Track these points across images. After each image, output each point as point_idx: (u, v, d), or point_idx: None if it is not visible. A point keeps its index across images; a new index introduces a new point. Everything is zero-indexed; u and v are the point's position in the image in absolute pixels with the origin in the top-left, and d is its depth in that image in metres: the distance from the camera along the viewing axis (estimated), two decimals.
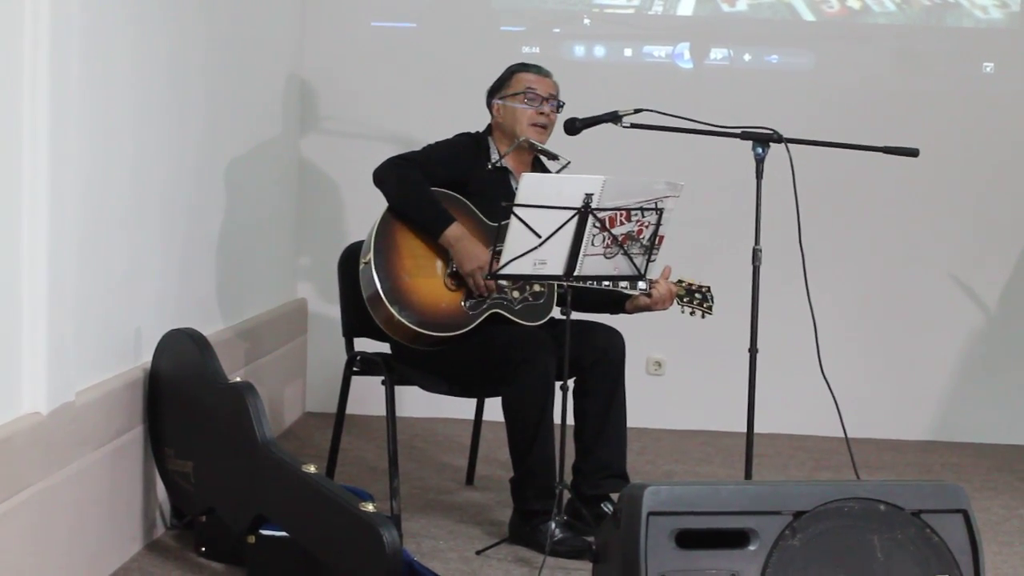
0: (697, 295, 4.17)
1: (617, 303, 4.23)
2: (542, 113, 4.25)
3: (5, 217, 2.95)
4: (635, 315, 4.33)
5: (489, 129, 4.36)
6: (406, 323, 3.99)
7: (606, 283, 3.92)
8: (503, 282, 4.06)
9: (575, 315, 3.83)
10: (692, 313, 4.18)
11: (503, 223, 3.71)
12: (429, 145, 4.28)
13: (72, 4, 3.14)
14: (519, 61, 4.42)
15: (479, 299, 4.09)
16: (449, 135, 4.34)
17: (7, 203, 2.95)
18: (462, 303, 4.08)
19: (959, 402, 6.01)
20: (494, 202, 4.12)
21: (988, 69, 5.97)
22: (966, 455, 5.71)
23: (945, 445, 5.90)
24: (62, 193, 3.11)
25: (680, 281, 4.17)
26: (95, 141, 3.45)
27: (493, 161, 4.27)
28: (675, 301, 4.15)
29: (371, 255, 4.02)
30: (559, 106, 4.30)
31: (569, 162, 4.24)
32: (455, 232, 4.04)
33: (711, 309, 4.18)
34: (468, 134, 4.34)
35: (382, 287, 3.99)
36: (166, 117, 4.07)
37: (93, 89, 3.41)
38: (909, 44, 5.98)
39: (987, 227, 5.99)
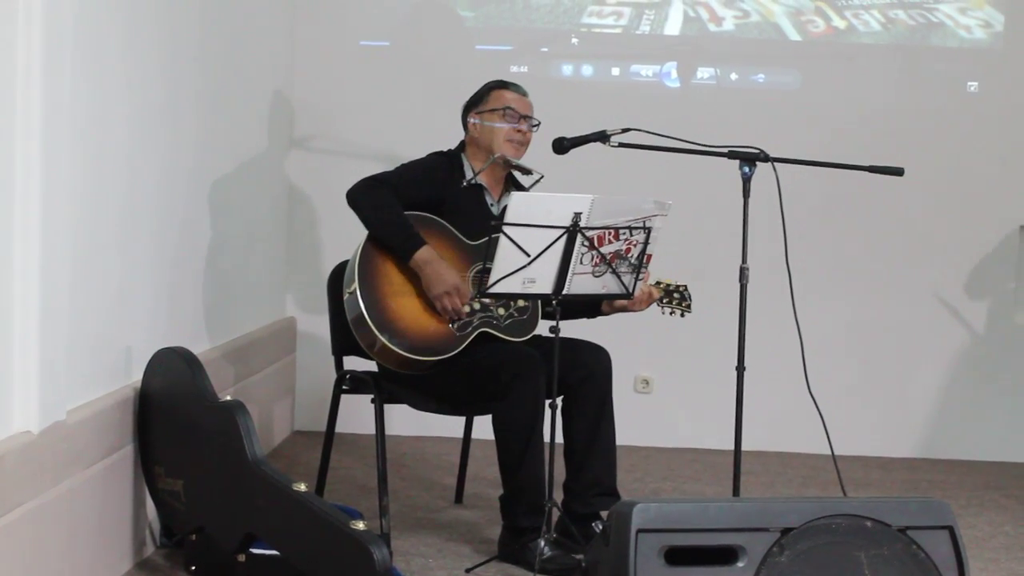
0: (676, 295, 4.21)
1: (595, 306, 4.25)
2: (519, 131, 4.27)
3: None
4: (622, 334, 4.36)
5: (462, 146, 4.37)
6: (396, 350, 4.00)
7: None
8: (486, 300, 4.07)
9: (561, 332, 3.85)
10: (672, 313, 4.21)
11: (484, 240, 3.71)
12: (403, 165, 4.29)
13: (65, 21, 3.15)
14: (498, 79, 4.44)
15: (467, 320, 4.10)
16: (426, 154, 4.36)
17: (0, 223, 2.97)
18: (450, 325, 4.09)
19: (945, 420, 6.04)
20: (471, 220, 4.14)
21: (972, 88, 6.02)
22: (952, 472, 5.73)
23: (931, 463, 5.92)
24: (54, 213, 3.12)
25: (658, 283, 4.20)
26: (88, 161, 3.46)
27: (468, 179, 4.29)
28: (656, 302, 4.17)
29: (355, 285, 4.02)
30: (535, 125, 4.32)
31: (542, 176, 4.26)
32: (424, 255, 4.04)
33: (690, 308, 4.22)
34: (441, 153, 4.35)
35: (369, 315, 3.99)
36: (159, 136, 4.09)
37: (87, 109, 3.42)
38: (894, 63, 6.02)
39: (973, 245, 6.02)
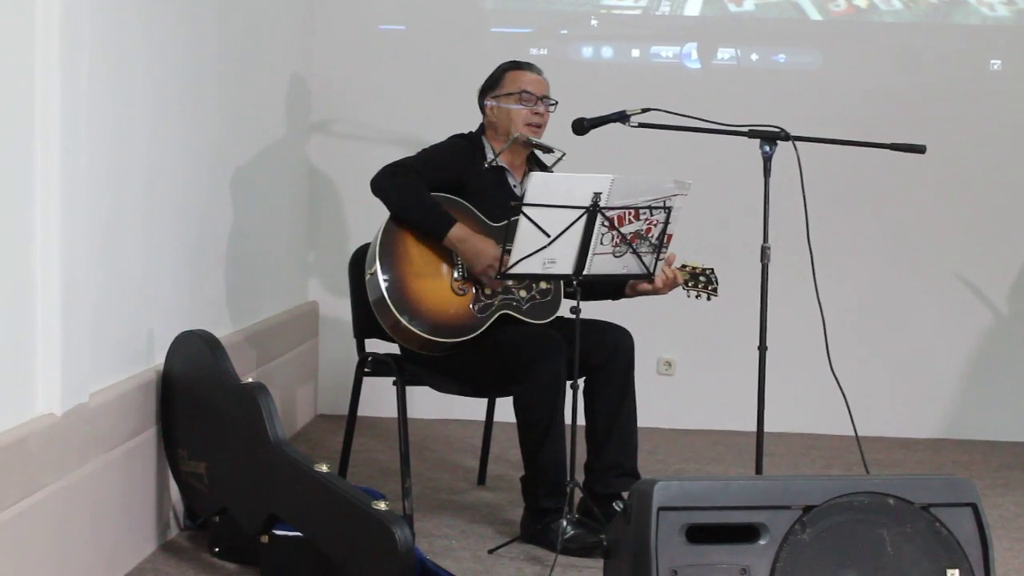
0: (701, 278, 4.18)
1: (618, 289, 4.24)
2: (537, 113, 4.26)
3: (18, 220, 2.97)
4: (645, 316, 4.34)
5: (482, 128, 4.36)
6: (416, 331, 4.00)
7: None
8: (509, 281, 4.07)
9: (583, 314, 3.84)
10: (698, 296, 4.19)
11: (510, 221, 3.71)
12: (424, 150, 4.28)
13: (82, 7, 3.15)
14: (511, 60, 4.42)
15: (488, 301, 4.10)
16: (447, 137, 4.35)
17: (20, 207, 2.97)
18: (470, 306, 4.09)
19: (969, 400, 6.02)
20: (494, 202, 4.13)
21: (995, 66, 5.98)
22: (977, 452, 5.71)
23: (956, 443, 5.90)
24: (75, 196, 3.13)
25: (684, 266, 4.18)
26: (111, 145, 3.47)
27: (489, 160, 4.28)
28: (682, 286, 4.15)
29: (376, 266, 4.02)
30: (553, 104, 4.31)
31: (564, 154, 4.25)
32: (459, 233, 4.05)
33: (716, 291, 4.20)
34: (461, 135, 4.34)
35: (390, 297, 4.00)
36: (180, 121, 4.10)
37: (109, 94, 3.44)
38: (916, 42, 5.99)
39: (996, 223, 5.99)
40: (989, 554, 2.99)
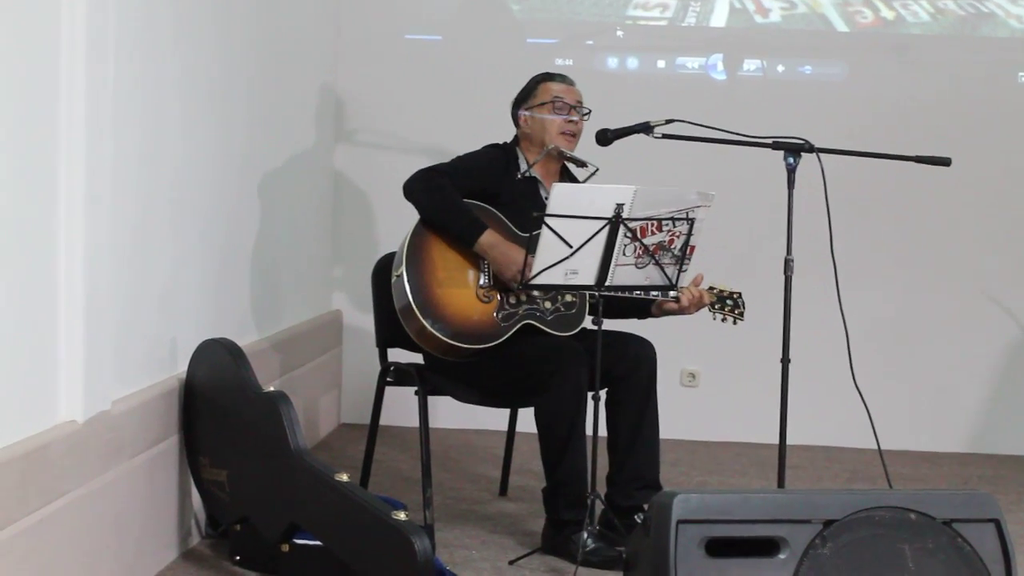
0: (728, 301, 4.17)
1: (645, 308, 4.23)
2: (571, 122, 4.27)
3: (43, 227, 2.99)
4: (669, 327, 4.32)
5: (516, 140, 4.37)
6: (439, 336, 4.01)
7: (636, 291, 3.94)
8: (535, 292, 4.07)
9: (607, 325, 3.84)
10: (724, 319, 4.18)
11: (534, 233, 3.72)
12: (458, 157, 4.30)
13: (107, 11, 3.17)
14: (543, 71, 4.43)
15: (512, 310, 4.10)
16: (482, 146, 4.36)
17: (44, 213, 2.99)
18: (494, 314, 4.09)
19: (996, 414, 5.97)
20: (525, 212, 4.13)
21: (1023, 79, 5.95)
22: (1003, 467, 5.67)
23: (982, 457, 5.86)
24: (100, 202, 3.14)
25: (711, 288, 4.17)
26: (141, 155, 3.49)
27: (522, 171, 4.29)
28: (708, 308, 4.14)
29: (403, 268, 4.04)
30: (586, 114, 4.31)
31: (597, 169, 4.25)
32: (489, 239, 4.06)
33: (743, 315, 4.17)
34: (496, 145, 4.36)
35: (415, 300, 4.01)
36: (209, 130, 4.12)
37: (138, 101, 3.46)
38: (943, 54, 5.96)
39: (1022, 236, 5.95)
40: (1012, 571, 2.97)
